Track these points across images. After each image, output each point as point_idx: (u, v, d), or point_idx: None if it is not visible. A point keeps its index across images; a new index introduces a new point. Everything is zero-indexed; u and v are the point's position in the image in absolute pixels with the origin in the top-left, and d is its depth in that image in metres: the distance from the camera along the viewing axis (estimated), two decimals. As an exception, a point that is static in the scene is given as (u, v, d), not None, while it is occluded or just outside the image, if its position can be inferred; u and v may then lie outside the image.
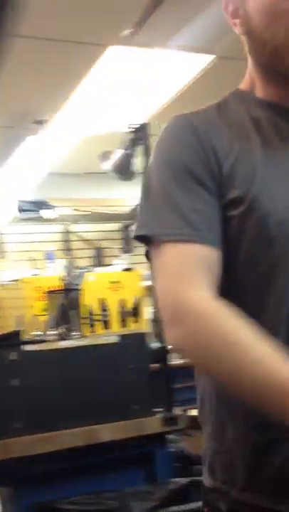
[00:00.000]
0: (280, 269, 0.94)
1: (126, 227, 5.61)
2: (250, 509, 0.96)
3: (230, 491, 0.98)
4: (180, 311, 0.89)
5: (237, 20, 1.03)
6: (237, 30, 1.03)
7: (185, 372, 1.27)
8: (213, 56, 3.41)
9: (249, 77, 1.07)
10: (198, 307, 0.88)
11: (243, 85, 1.09)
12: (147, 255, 1.00)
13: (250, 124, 1.02)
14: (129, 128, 2.82)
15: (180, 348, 0.91)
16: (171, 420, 2.44)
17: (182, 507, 2.15)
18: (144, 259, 1.01)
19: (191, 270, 0.91)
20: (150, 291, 2.96)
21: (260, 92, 1.05)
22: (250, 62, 1.06)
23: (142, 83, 3.73)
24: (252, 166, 0.97)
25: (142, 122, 2.92)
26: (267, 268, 0.94)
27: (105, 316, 2.55)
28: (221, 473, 1.00)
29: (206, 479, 1.03)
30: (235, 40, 1.07)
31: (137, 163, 2.95)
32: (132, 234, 1.00)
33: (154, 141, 1.09)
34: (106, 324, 2.54)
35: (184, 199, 0.94)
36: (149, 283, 3.55)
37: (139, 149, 2.81)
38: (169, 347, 0.92)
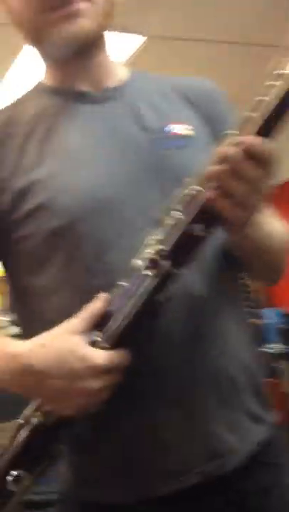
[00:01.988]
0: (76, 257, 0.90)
1: None
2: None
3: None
4: None
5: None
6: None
7: None
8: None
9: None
10: None
11: (43, 76, 1.03)
12: None
13: (37, 116, 0.96)
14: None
15: None
16: None
17: None
18: None
19: None
20: None
21: (49, 79, 1.01)
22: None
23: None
24: (32, 163, 0.92)
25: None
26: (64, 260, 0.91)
27: None
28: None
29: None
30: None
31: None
32: None
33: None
34: None
35: None
36: None
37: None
38: None
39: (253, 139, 0.77)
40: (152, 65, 3.62)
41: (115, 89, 0.99)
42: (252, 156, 0.77)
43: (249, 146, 0.77)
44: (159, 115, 0.97)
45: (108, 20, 0.95)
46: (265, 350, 3.93)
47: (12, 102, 1.02)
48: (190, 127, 0.97)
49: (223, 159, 0.77)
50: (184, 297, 0.87)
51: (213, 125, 0.99)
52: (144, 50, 3.54)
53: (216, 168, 0.78)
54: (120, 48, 3.53)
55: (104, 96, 0.97)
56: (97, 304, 0.82)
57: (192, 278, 0.87)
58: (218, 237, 0.88)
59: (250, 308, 4.97)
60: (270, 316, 4.50)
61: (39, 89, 1.01)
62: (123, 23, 3.14)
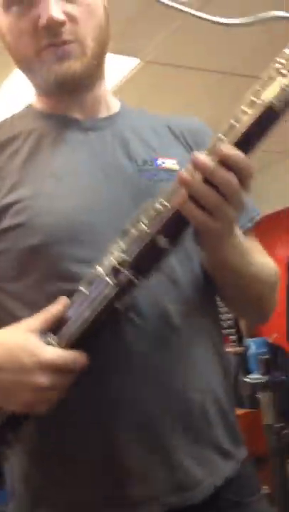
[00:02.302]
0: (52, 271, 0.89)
1: None
2: None
3: None
4: None
5: None
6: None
7: None
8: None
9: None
10: None
11: (34, 100, 1.04)
12: None
13: (24, 138, 0.97)
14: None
15: None
16: None
17: None
18: None
19: None
20: None
21: (40, 105, 1.02)
22: None
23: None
24: (14, 183, 0.92)
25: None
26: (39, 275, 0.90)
27: None
28: None
29: None
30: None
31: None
32: None
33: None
34: None
35: None
36: None
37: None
38: None
39: (230, 149, 0.76)
40: (145, 89, 3.67)
41: (106, 119, 1.00)
42: (228, 165, 0.76)
43: (226, 155, 0.76)
44: (147, 148, 0.98)
45: (99, 58, 0.97)
46: (247, 380, 3.92)
47: (0, 121, 1.03)
48: (177, 163, 0.97)
49: (197, 166, 0.77)
50: (157, 327, 0.86)
51: None
52: (138, 74, 3.57)
53: (189, 173, 0.77)
54: (114, 70, 3.57)
55: (94, 125, 0.98)
56: (55, 307, 0.82)
57: (166, 308, 0.86)
58: (195, 265, 0.89)
59: (234, 337, 4.97)
60: (252, 346, 4.49)
61: (29, 112, 1.02)
62: (118, 46, 3.18)
